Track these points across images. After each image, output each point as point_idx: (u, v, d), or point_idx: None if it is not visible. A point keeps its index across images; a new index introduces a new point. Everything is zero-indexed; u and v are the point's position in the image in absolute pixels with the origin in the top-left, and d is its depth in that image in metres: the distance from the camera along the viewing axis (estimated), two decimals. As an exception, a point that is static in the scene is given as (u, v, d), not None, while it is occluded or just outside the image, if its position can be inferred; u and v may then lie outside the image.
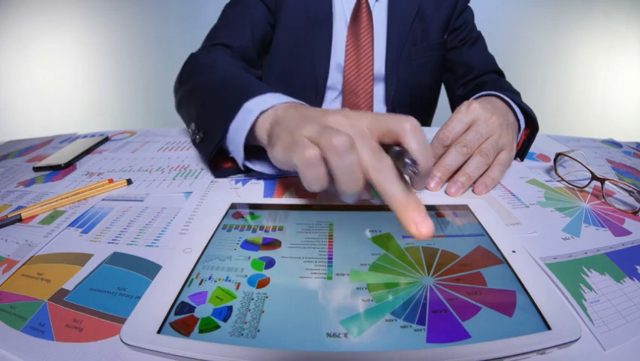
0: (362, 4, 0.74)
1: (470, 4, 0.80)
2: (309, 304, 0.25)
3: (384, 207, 0.37)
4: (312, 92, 0.79)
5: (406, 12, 0.75)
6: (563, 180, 0.44)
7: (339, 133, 0.27)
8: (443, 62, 0.82)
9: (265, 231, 0.33)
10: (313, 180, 0.29)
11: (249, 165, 0.42)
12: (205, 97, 0.48)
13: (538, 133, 0.52)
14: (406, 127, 0.28)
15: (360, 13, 0.75)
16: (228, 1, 0.77)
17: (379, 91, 0.80)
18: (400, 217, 0.26)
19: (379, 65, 0.77)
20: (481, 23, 0.82)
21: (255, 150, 0.42)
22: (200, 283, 0.26)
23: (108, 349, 0.22)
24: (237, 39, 0.70)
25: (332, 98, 0.81)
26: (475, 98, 0.53)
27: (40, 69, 1.83)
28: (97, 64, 1.87)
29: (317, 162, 0.28)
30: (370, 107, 0.79)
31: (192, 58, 0.64)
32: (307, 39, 0.75)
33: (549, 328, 0.22)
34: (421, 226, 0.25)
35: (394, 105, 0.80)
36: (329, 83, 0.78)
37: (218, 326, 0.23)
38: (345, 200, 0.29)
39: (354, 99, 0.78)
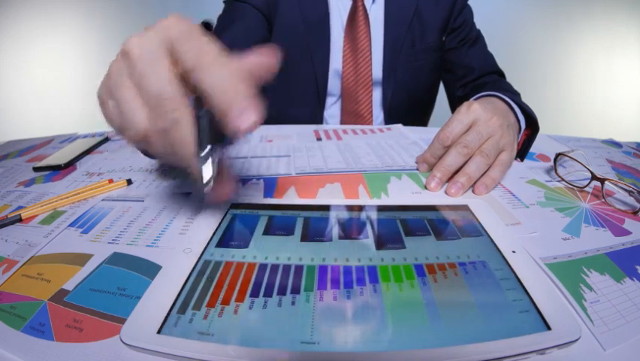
0: (358, 6, 0.74)
1: (470, 4, 0.80)
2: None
3: (387, 208, 0.37)
4: (313, 98, 0.78)
5: (404, 12, 0.74)
6: (563, 180, 0.44)
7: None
8: (441, 64, 0.81)
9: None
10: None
11: None
12: None
13: (539, 133, 0.52)
14: (204, 59, 0.22)
15: (356, 16, 0.74)
16: (223, 6, 0.77)
17: (377, 95, 0.80)
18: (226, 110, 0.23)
19: (377, 70, 0.77)
20: (480, 23, 0.81)
21: None
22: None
23: (108, 349, 0.22)
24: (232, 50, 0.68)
25: (331, 103, 0.81)
26: (475, 99, 0.53)
27: (40, 69, 1.83)
28: (97, 64, 1.85)
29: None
30: (370, 113, 0.79)
31: None
32: (305, 44, 0.74)
33: (549, 328, 0.22)
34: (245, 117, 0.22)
35: (392, 108, 0.80)
36: (327, 88, 0.78)
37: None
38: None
39: (353, 106, 0.78)
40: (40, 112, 1.88)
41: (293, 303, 0.25)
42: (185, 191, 0.42)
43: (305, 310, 0.24)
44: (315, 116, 0.80)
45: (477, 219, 0.34)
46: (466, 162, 0.42)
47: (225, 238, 0.32)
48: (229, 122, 0.23)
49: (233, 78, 0.23)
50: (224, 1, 0.77)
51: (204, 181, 0.26)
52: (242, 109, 0.22)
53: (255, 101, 0.23)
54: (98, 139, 0.62)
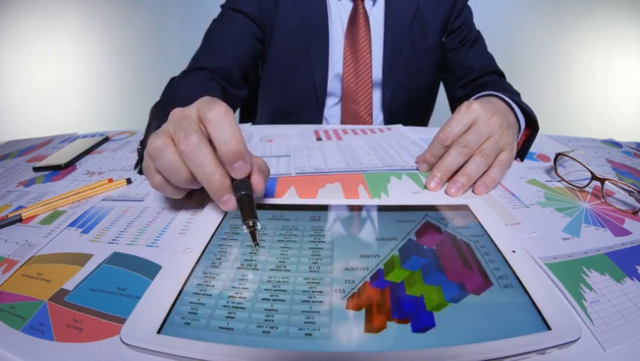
0: (359, 8, 0.74)
1: (469, 4, 0.80)
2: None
3: (386, 208, 0.37)
4: (312, 100, 0.78)
5: (404, 13, 0.74)
6: (563, 180, 0.44)
7: (155, 137, 0.31)
8: (441, 64, 0.81)
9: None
10: (174, 194, 0.34)
11: None
12: (150, 119, 0.51)
13: (539, 133, 0.52)
14: (207, 117, 0.30)
15: (357, 19, 0.74)
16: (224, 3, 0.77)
17: (377, 96, 0.80)
18: (212, 197, 0.31)
19: (377, 71, 0.77)
20: (480, 23, 0.81)
21: None
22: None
23: (108, 349, 0.22)
24: (218, 61, 0.69)
25: (332, 104, 0.81)
26: (475, 99, 0.53)
27: (40, 69, 1.83)
28: (97, 64, 1.86)
29: (162, 184, 0.33)
30: (370, 114, 0.79)
31: (169, 83, 0.64)
32: (304, 47, 0.75)
33: (549, 328, 0.22)
34: (224, 205, 0.31)
35: (391, 109, 0.80)
36: (328, 89, 0.78)
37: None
38: (195, 187, 0.33)
39: (353, 107, 0.78)
40: (40, 112, 1.88)
41: (302, 301, 0.25)
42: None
43: (312, 308, 0.24)
44: (315, 118, 0.80)
45: (477, 219, 0.34)
46: (465, 162, 0.42)
47: (229, 238, 0.32)
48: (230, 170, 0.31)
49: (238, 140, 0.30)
50: (220, 6, 0.77)
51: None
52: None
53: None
54: (98, 139, 0.62)
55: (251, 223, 0.29)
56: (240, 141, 0.30)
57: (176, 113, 0.32)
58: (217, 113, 0.30)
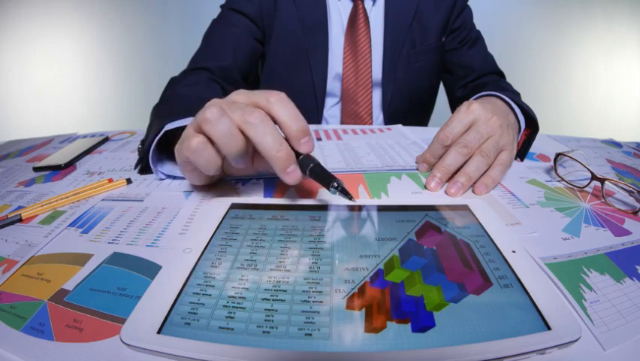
0: (359, 8, 0.74)
1: (469, 4, 0.80)
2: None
3: (388, 208, 0.37)
4: (311, 101, 0.79)
5: (404, 14, 0.74)
6: (562, 180, 0.44)
7: (208, 107, 0.30)
8: (442, 64, 0.81)
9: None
10: (205, 163, 0.32)
11: (163, 172, 0.45)
12: (151, 120, 0.50)
13: (539, 133, 0.52)
14: (271, 100, 0.31)
15: (357, 19, 0.74)
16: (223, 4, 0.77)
17: (377, 96, 0.80)
18: (273, 167, 0.31)
19: (377, 71, 0.77)
20: (480, 23, 0.82)
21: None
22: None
23: (108, 349, 0.22)
24: (218, 61, 0.69)
25: (332, 105, 0.81)
26: (475, 98, 0.53)
27: (40, 69, 1.83)
28: (97, 64, 1.87)
29: (202, 146, 0.31)
30: (370, 114, 0.79)
31: (169, 82, 0.64)
32: (304, 47, 0.75)
33: (549, 328, 0.22)
34: (289, 176, 0.32)
35: (391, 109, 0.80)
36: (328, 90, 0.78)
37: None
38: (237, 165, 0.33)
39: (353, 107, 0.78)
40: (40, 112, 1.88)
41: (302, 301, 0.25)
42: (185, 190, 0.42)
43: (312, 308, 0.24)
44: (315, 118, 0.80)
45: (477, 219, 0.34)
46: (466, 162, 0.42)
47: (229, 238, 0.32)
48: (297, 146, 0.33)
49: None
50: (220, 6, 0.77)
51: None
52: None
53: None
54: (98, 139, 0.62)
55: (335, 184, 0.33)
56: (304, 120, 0.32)
57: (217, 100, 0.32)
58: (282, 96, 0.32)
